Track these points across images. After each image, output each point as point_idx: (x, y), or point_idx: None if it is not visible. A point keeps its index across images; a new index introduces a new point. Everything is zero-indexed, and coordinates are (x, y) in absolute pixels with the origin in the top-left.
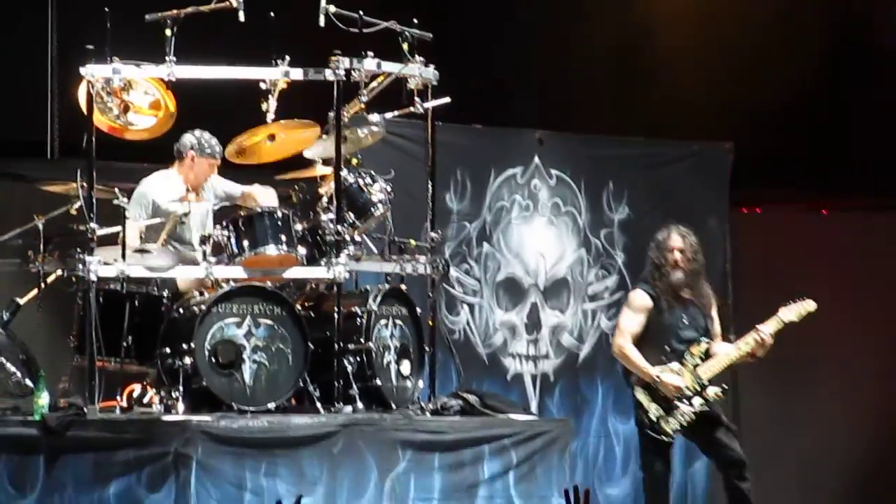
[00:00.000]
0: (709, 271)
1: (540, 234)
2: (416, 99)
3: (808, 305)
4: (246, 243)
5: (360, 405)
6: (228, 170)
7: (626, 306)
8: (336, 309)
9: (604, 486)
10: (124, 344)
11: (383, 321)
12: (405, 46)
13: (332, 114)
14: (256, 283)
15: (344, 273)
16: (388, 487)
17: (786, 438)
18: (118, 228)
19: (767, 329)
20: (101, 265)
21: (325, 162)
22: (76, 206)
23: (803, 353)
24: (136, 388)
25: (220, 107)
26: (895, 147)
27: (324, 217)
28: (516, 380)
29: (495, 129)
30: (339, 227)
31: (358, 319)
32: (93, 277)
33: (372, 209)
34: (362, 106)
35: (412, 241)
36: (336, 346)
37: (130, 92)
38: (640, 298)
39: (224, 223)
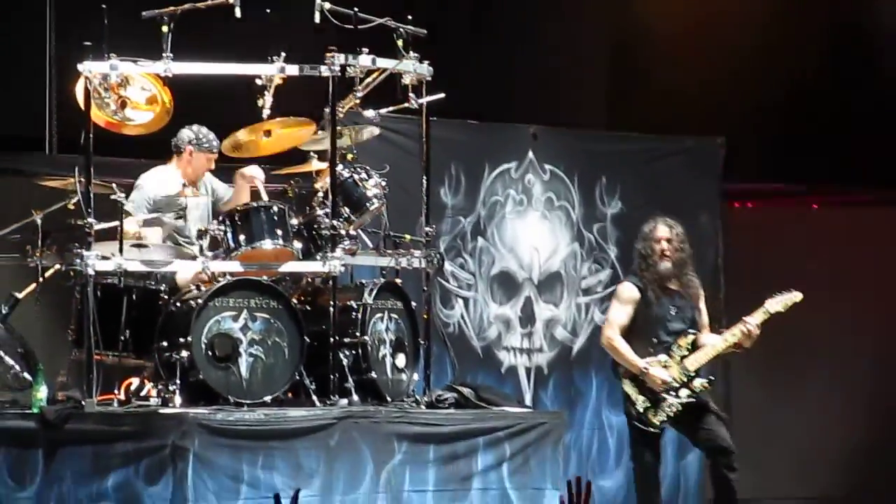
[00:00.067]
0: (700, 265)
1: (534, 228)
2: (411, 95)
3: (795, 296)
4: (242, 238)
5: (355, 398)
6: (225, 163)
7: (615, 298)
8: (332, 303)
9: (597, 477)
10: (122, 338)
11: (378, 315)
12: (399, 43)
13: (327, 109)
14: (253, 277)
15: (339, 267)
16: (383, 479)
17: (778, 428)
18: (116, 223)
19: (754, 320)
20: (99, 259)
21: (321, 157)
22: (74, 200)
23: (796, 344)
24: (134, 382)
25: (217, 103)
26: (887, 142)
27: (319, 212)
28: (510, 373)
29: (489, 124)
30: (334, 221)
31: (353, 313)
32: (90, 272)
33: (367, 204)
34: (357, 102)
35: (407, 236)
36: (332, 339)
37: (127, 88)
38: (628, 290)
39: (221, 218)
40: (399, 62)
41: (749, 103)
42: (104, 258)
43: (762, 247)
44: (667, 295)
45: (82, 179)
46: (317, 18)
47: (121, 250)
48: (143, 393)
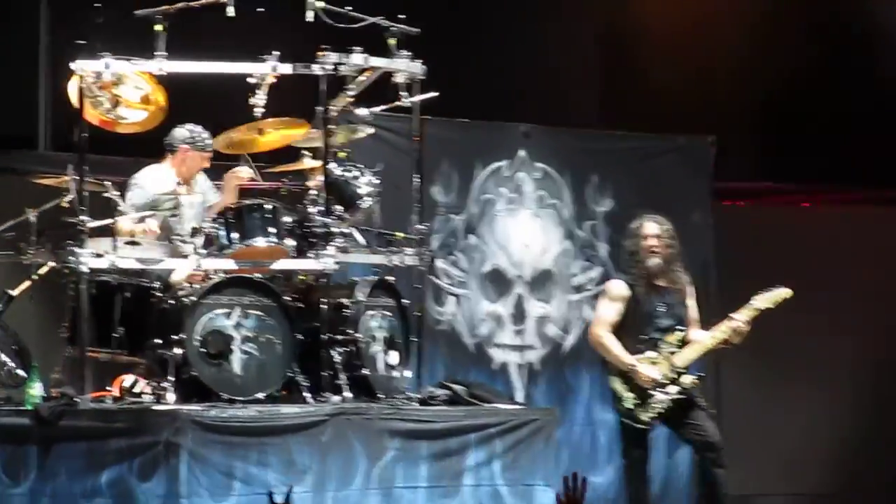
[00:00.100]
0: (691, 263)
1: (525, 226)
2: (404, 93)
3: (782, 292)
4: (236, 235)
5: (348, 395)
6: (219, 160)
7: (604, 295)
8: (324, 300)
9: (588, 474)
10: (115, 335)
11: (371, 312)
12: (392, 41)
13: (320, 108)
14: (246, 275)
15: (332, 265)
16: (375, 475)
17: (768, 426)
18: (110, 221)
19: (741, 317)
20: (93, 257)
21: (314, 155)
22: (68, 198)
23: (785, 342)
24: (128, 379)
25: (210, 101)
26: (879, 142)
27: (312, 210)
28: (502, 370)
29: (482, 122)
30: (327, 219)
31: (346, 310)
32: (84, 269)
33: (359, 202)
34: (350, 100)
35: (399, 234)
36: (324, 336)
37: (121, 86)
38: (617, 287)
39: (214, 216)
40: (391, 61)
41: (741, 102)
42: (98, 256)
43: (753, 245)
44: (655, 292)
45: (76, 177)
46: (309, 17)
47: (114, 248)
48: (136, 390)
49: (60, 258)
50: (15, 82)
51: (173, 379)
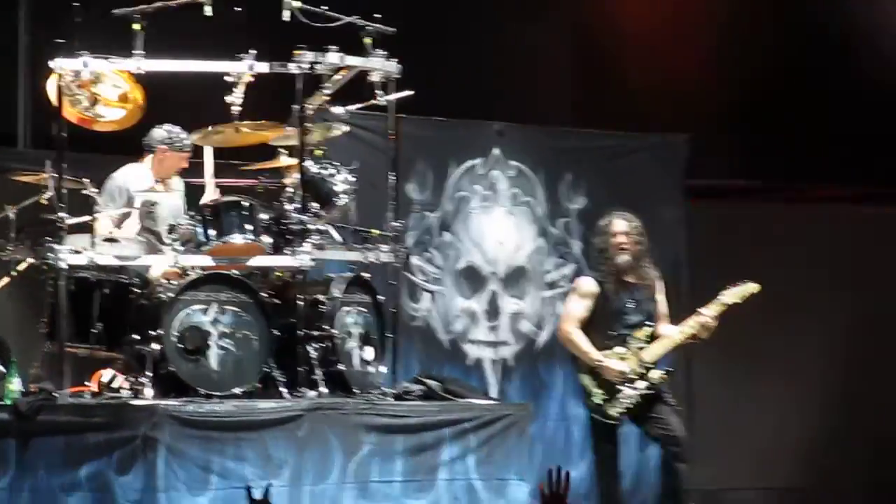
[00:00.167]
0: (664, 260)
1: (499, 223)
2: (379, 92)
3: (750, 287)
4: (213, 232)
5: (324, 390)
6: (194, 158)
7: (573, 292)
8: (301, 297)
9: (563, 468)
10: (94, 330)
11: (347, 308)
12: (368, 41)
13: (296, 106)
14: (223, 272)
15: (308, 261)
16: (351, 470)
17: (739, 422)
18: (88, 218)
19: (709, 312)
20: (72, 254)
21: (290, 153)
22: (47, 195)
23: (756, 339)
24: (106, 374)
25: (188, 99)
26: (851, 140)
27: (288, 207)
28: (477, 365)
29: (456, 121)
30: (303, 216)
31: (322, 307)
32: (63, 265)
33: (335, 199)
34: (326, 99)
35: (375, 231)
36: (300, 332)
37: (99, 85)
38: (586, 284)
39: (192, 213)
40: (367, 60)
41: (714, 101)
42: (76, 252)
43: (725, 242)
44: (624, 288)
45: (55, 174)
46: (286, 16)
47: (93, 245)
48: (114, 385)
49: (39, 255)
50: None
51: (151, 374)
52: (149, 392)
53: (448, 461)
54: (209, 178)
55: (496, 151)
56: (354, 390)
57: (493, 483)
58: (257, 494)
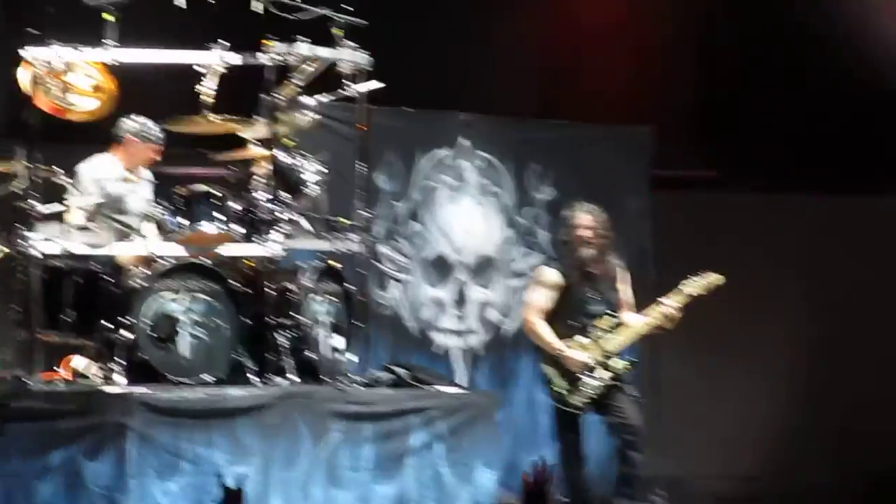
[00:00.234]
0: (629, 251)
1: (467, 213)
2: (349, 83)
3: (714, 278)
4: (183, 221)
5: (293, 378)
6: (165, 148)
7: (534, 282)
8: (271, 285)
9: (529, 455)
10: (66, 318)
11: (316, 297)
12: (338, 32)
13: (266, 97)
14: (194, 260)
15: (278, 250)
16: (321, 457)
17: (705, 411)
18: (61, 207)
19: (672, 302)
20: (44, 242)
21: (261, 143)
22: (19, 184)
23: (722, 328)
24: (78, 361)
25: (160, 90)
26: (816, 131)
27: (259, 196)
28: (445, 354)
29: (425, 111)
30: (273, 206)
31: (292, 295)
32: (35, 254)
33: (305, 189)
34: (296, 89)
35: (344, 220)
36: (270, 320)
37: (71, 75)
38: (549, 274)
39: (163, 202)
40: (337, 51)
41: (680, 92)
42: (48, 240)
43: (691, 233)
44: (587, 279)
45: (27, 164)
46: (259, 8)
47: (65, 233)
48: (86, 372)
49: (12, 243)
50: None
51: (122, 361)
52: (120, 379)
53: (416, 448)
54: None
55: (464, 142)
56: (323, 378)
57: (460, 470)
58: (230, 484)
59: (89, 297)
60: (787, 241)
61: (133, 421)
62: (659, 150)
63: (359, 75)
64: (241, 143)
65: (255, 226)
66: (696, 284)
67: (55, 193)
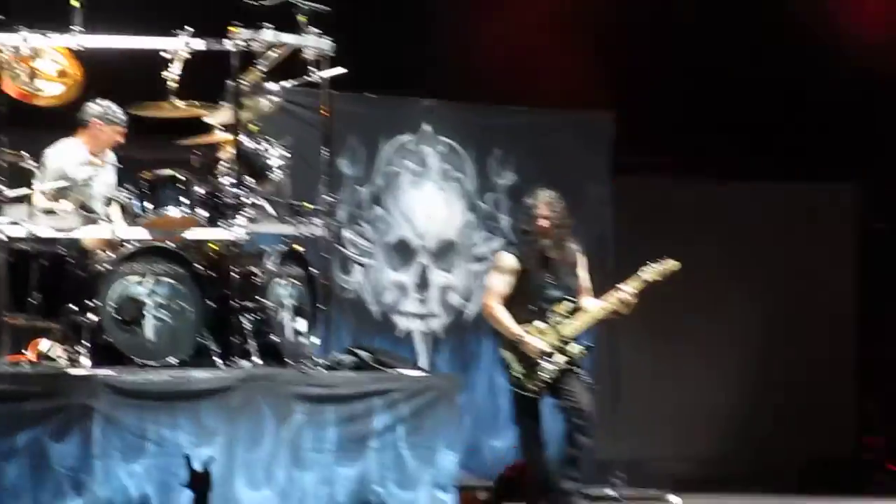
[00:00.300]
0: (590, 236)
1: (429, 198)
2: (312, 69)
3: (670, 265)
4: (149, 205)
5: (257, 360)
6: (130, 133)
7: (494, 268)
8: (235, 269)
9: (490, 438)
10: (32, 301)
11: (280, 281)
12: (302, 19)
13: (231, 82)
14: (159, 244)
15: (242, 234)
16: (284, 438)
17: (661, 395)
18: (27, 191)
19: (629, 288)
20: (10, 226)
21: (225, 128)
22: None
23: (679, 314)
24: (43, 343)
25: (125, 75)
26: (779, 120)
27: (223, 181)
28: (407, 337)
29: (388, 97)
30: (238, 190)
31: (256, 279)
32: (1, 237)
33: (269, 173)
34: (261, 75)
35: (308, 205)
36: (234, 304)
37: (38, 60)
38: (507, 260)
39: (128, 186)
40: (301, 37)
41: (641, 79)
42: (15, 224)
43: (651, 219)
44: (546, 265)
45: None
46: None
47: (31, 217)
48: (52, 354)
49: None
50: None
51: (88, 344)
52: (85, 361)
53: (378, 430)
54: None
55: (426, 128)
56: (287, 361)
57: (422, 452)
58: (197, 466)
59: (55, 280)
60: (742, 228)
61: (98, 403)
62: (618, 137)
63: (322, 61)
64: (206, 128)
65: (220, 210)
66: (654, 270)
67: (22, 178)
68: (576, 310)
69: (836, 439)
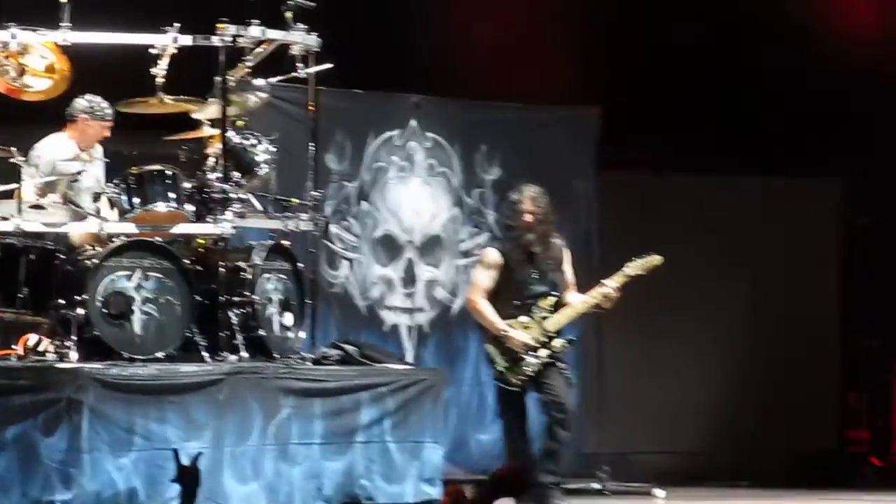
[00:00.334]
0: (575, 231)
1: (416, 193)
2: (299, 65)
3: (654, 259)
4: (137, 200)
5: (244, 354)
6: (118, 128)
7: (479, 263)
8: (222, 263)
9: (476, 431)
10: (20, 295)
11: (267, 275)
12: (288, 15)
13: (218, 78)
14: (146, 239)
15: (229, 229)
16: (271, 432)
17: (645, 389)
18: (15, 185)
19: (612, 283)
20: None
21: (212, 124)
22: None
23: (665, 307)
24: (32, 338)
25: (113, 71)
26: (760, 116)
27: (211, 176)
28: (393, 331)
29: (374, 93)
30: (225, 185)
31: (243, 273)
32: None
33: (256, 169)
34: (248, 71)
35: (295, 200)
36: (222, 298)
37: (27, 56)
38: (492, 255)
39: (116, 181)
40: (288, 33)
41: (625, 75)
42: (3, 219)
43: (636, 214)
44: (530, 260)
45: None
46: None
47: (19, 211)
48: (40, 348)
49: None
50: None
51: (76, 338)
52: (74, 355)
53: (365, 424)
54: None
55: (413, 123)
56: (274, 355)
57: (407, 445)
58: (185, 460)
59: (43, 275)
60: (726, 224)
61: (86, 397)
62: (603, 133)
63: (309, 57)
64: (193, 123)
65: (207, 205)
66: (638, 265)
67: (10, 173)
68: (560, 304)
69: (820, 433)
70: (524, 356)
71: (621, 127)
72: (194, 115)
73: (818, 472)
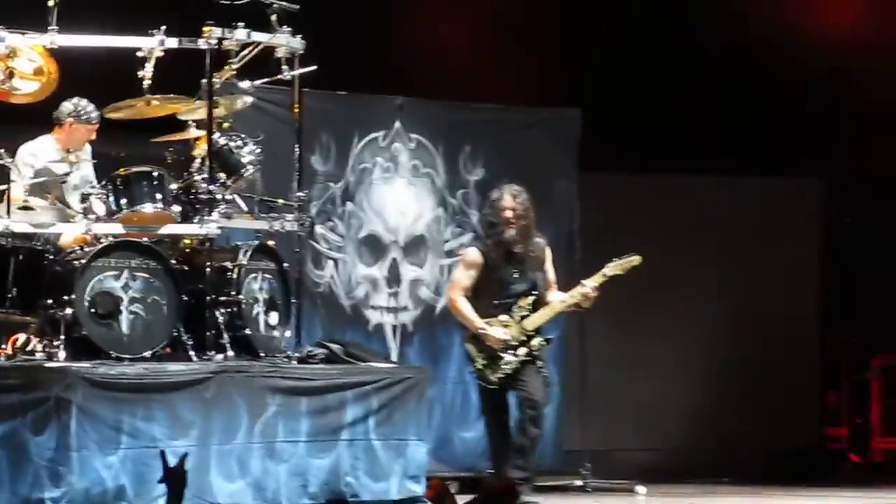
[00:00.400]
0: (557, 231)
1: (400, 193)
2: (284, 67)
3: (632, 260)
4: (124, 201)
5: (231, 353)
6: (105, 130)
7: (460, 262)
8: (208, 263)
9: (459, 429)
10: (9, 295)
11: (253, 275)
12: (273, 17)
13: (204, 80)
14: (134, 239)
15: (216, 230)
16: (258, 430)
17: (628, 386)
18: (3, 187)
19: (591, 283)
20: None
21: (198, 125)
22: None
23: (647, 305)
24: (20, 337)
25: (101, 73)
26: (740, 115)
27: (197, 177)
28: (377, 330)
29: (359, 95)
30: (211, 186)
31: (229, 273)
32: None
33: (242, 170)
34: (233, 73)
35: (280, 200)
36: (208, 298)
37: (15, 59)
38: (472, 255)
39: (103, 182)
40: (273, 36)
41: (607, 75)
42: None
43: (617, 215)
44: (510, 259)
45: None
46: None
47: (8, 212)
48: (29, 348)
49: None
50: None
51: (64, 337)
52: (62, 355)
53: (350, 422)
54: None
55: (397, 125)
56: (260, 354)
57: (391, 443)
58: (172, 461)
59: (32, 275)
60: (708, 223)
61: (75, 395)
62: (584, 133)
63: (294, 59)
64: (180, 125)
65: (194, 206)
66: (617, 266)
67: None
68: (539, 303)
69: (800, 431)
70: (502, 354)
71: (603, 127)
72: (181, 117)
73: (798, 469)
